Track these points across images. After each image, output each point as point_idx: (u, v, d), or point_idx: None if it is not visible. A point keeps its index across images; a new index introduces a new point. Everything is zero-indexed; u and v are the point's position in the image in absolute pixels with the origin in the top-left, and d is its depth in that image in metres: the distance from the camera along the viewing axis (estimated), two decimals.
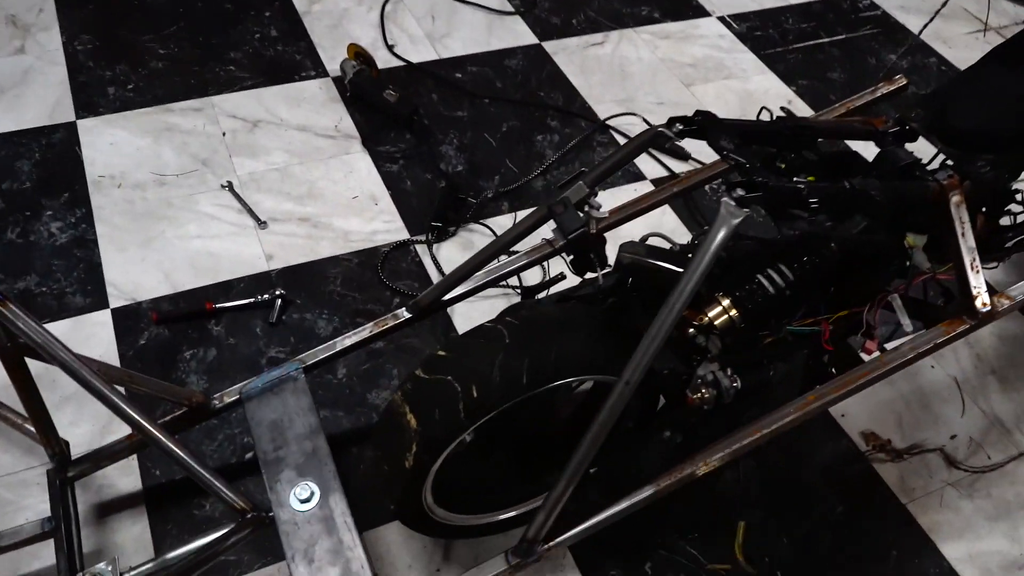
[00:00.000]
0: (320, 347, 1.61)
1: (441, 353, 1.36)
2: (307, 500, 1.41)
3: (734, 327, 1.37)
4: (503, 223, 2.26)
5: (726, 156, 1.22)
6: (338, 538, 1.37)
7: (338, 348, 1.60)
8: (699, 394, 1.36)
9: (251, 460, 1.72)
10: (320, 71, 2.65)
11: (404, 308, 1.62)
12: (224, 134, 2.40)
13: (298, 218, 2.21)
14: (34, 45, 2.60)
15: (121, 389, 1.35)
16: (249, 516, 1.41)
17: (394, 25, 2.85)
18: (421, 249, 2.18)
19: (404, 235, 2.20)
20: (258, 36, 2.74)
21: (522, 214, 2.28)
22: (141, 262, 2.06)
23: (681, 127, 1.29)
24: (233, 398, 1.57)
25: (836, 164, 1.41)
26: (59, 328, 1.90)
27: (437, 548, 1.63)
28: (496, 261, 1.58)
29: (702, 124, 1.28)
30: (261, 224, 2.17)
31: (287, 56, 2.69)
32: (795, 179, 1.25)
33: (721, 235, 1.15)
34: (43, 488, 1.62)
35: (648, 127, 1.36)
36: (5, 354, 1.27)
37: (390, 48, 2.76)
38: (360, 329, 1.62)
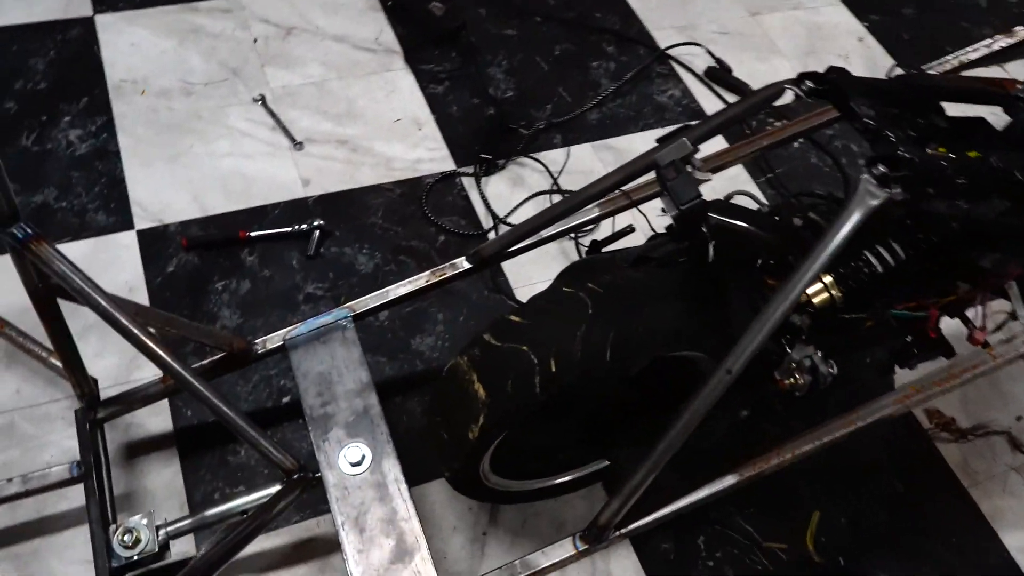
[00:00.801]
0: (371, 295, 1.49)
1: (515, 319, 1.24)
2: (358, 463, 1.32)
3: (834, 307, 1.25)
4: (555, 158, 2.10)
5: (867, 128, 1.06)
6: (392, 507, 1.28)
7: (390, 297, 1.48)
8: (792, 379, 1.24)
9: (288, 405, 1.62)
10: None
11: (464, 258, 1.48)
12: (255, 40, 2.21)
13: (336, 140, 2.04)
14: None
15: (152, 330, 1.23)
16: (296, 477, 1.31)
17: None
18: (468, 182, 2.02)
19: (450, 165, 2.04)
20: None
21: (577, 150, 2.12)
22: (168, 180, 1.90)
23: (811, 85, 1.13)
24: (276, 344, 1.45)
25: (963, 132, 1.26)
26: (81, 248, 1.76)
27: (483, 510, 1.55)
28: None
29: (836, 84, 1.12)
30: (297, 145, 2.01)
31: None
32: (929, 152, 1.10)
33: (856, 216, 1.01)
34: (68, 423, 1.52)
35: (770, 85, 1.19)
36: (35, 293, 1.14)
37: None
38: (416, 278, 1.49)
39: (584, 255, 1.75)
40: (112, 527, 1.29)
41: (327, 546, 1.46)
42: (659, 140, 1.21)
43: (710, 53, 2.41)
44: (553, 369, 1.17)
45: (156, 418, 1.56)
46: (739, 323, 1.18)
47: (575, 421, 1.48)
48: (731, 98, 2.33)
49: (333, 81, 2.16)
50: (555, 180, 2.04)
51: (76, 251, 1.76)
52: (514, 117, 2.16)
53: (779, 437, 1.40)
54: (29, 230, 1.04)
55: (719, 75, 2.36)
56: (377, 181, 1.99)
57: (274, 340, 1.45)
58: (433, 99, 2.17)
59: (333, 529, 1.28)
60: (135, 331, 1.15)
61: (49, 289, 1.13)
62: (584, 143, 2.15)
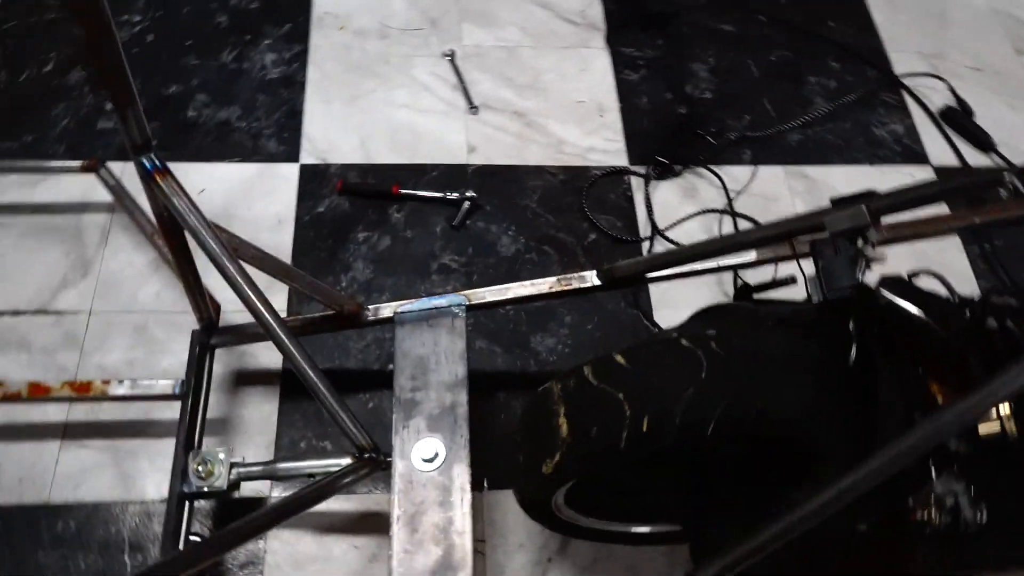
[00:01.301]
0: (490, 288, 1.41)
1: (619, 360, 1.12)
2: (430, 460, 1.27)
3: (1004, 443, 1.03)
4: (738, 175, 1.91)
5: None
6: (449, 516, 1.22)
7: (509, 295, 1.40)
8: (927, 513, 1.04)
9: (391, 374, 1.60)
10: None
11: (595, 272, 1.37)
12: None
13: (513, 111, 1.97)
14: None
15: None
16: (366, 456, 1.28)
17: None
18: (636, 183, 1.89)
19: (622, 161, 1.92)
20: None
21: (765, 171, 1.92)
22: (342, 120, 1.92)
23: None
24: (387, 315, 1.42)
25: None
26: (247, 171, 1.82)
27: (554, 536, 1.46)
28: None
29: None
30: (473, 109, 1.96)
31: None
32: None
33: None
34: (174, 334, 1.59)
35: (989, 171, 0.97)
36: (160, 219, 1.17)
37: None
38: (541, 282, 1.40)
39: (735, 292, 1.59)
40: (193, 452, 1.32)
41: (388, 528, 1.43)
42: (834, 202, 1.03)
43: (952, 91, 2.09)
44: (644, 428, 1.04)
45: (270, 354, 1.59)
46: (882, 428, 1.00)
47: (667, 475, 1.35)
48: (964, 146, 2.01)
49: (526, 48, 2.08)
50: (730, 201, 1.86)
51: (241, 173, 1.82)
52: (705, 122, 1.99)
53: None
54: (157, 163, 1.05)
55: (957, 118, 2.04)
56: (543, 162, 1.90)
57: (385, 311, 1.42)
58: (624, 86, 2.04)
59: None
60: (235, 275, 1.14)
61: (173, 218, 1.15)
62: (776, 165, 1.95)
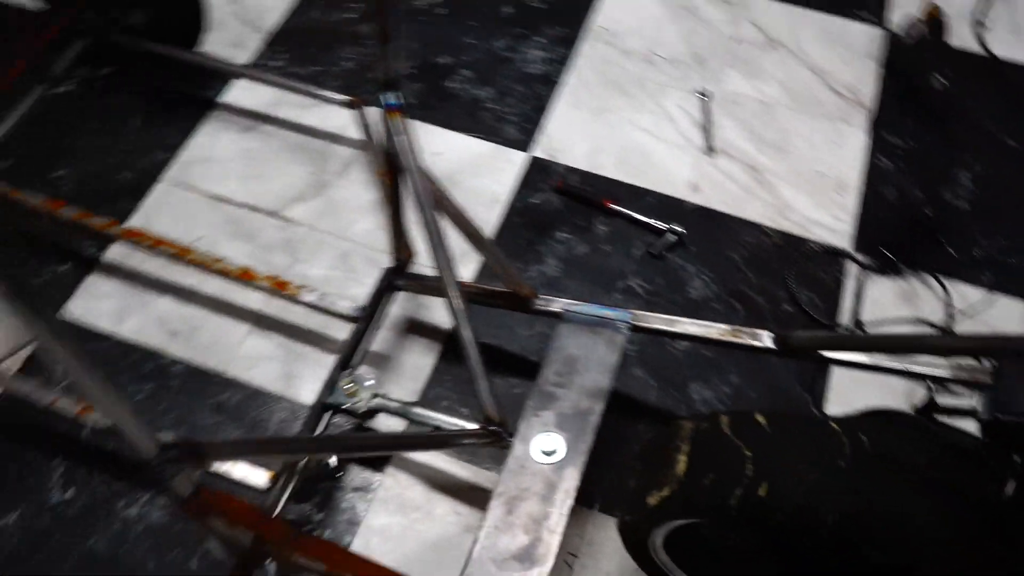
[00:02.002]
0: (661, 315, 1.41)
1: (759, 419, 1.07)
2: (548, 454, 1.28)
3: None
4: (970, 296, 1.75)
5: None
6: (547, 511, 1.23)
7: (675, 329, 1.39)
8: None
9: None
10: (877, 18, 2.21)
11: (771, 335, 1.32)
12: (734, 39, 2.16)
13: (749, 163, 1.94)
14: None
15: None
16: (492, 428, 1.33)
17: (1004, 8, 2.25)
18: (852, 269, 1.79)
19: (845, 244, 1.82)
20: None
21: (1006, 302, 1.74)
22: (581, 126, 1.99)
23: None
24: (555, 309, 1.45)
25: None
26: (481, 147, 1.94)
27: None
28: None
29: None
30: (709, 150, 1.95)
31: None
32: None
33: None
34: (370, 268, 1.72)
35: None
36: (385, 156, 1.28)
37: (979, 26, 2.20)
38: (713, 325, 1.37)
39: (922, 405, 1.45)
40: (347, 371, 1.43)
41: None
42: None
43: None
44: (760, 494, 1.00)
45: (443, 313, 1.69)
46: None
47: (764, 556, 1.27)
48: None
49: (782, 108, 2.03)
50: (951, 320, 1.71)
51: (477, 148, 1.94)
52: (950, 230, 1.84)
53: None
54: (397, 102, 1.16)
55: None
56: (761, 221, 1.85)
57: (555, 305, 1.45)
58: (874, 171, 1.94)
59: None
60: (430, 221, 1.23)
61: (392, 156, 1.26)
62: (1020, 299, 1.75)
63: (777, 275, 1.78)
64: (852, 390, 1.61)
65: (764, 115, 2.02)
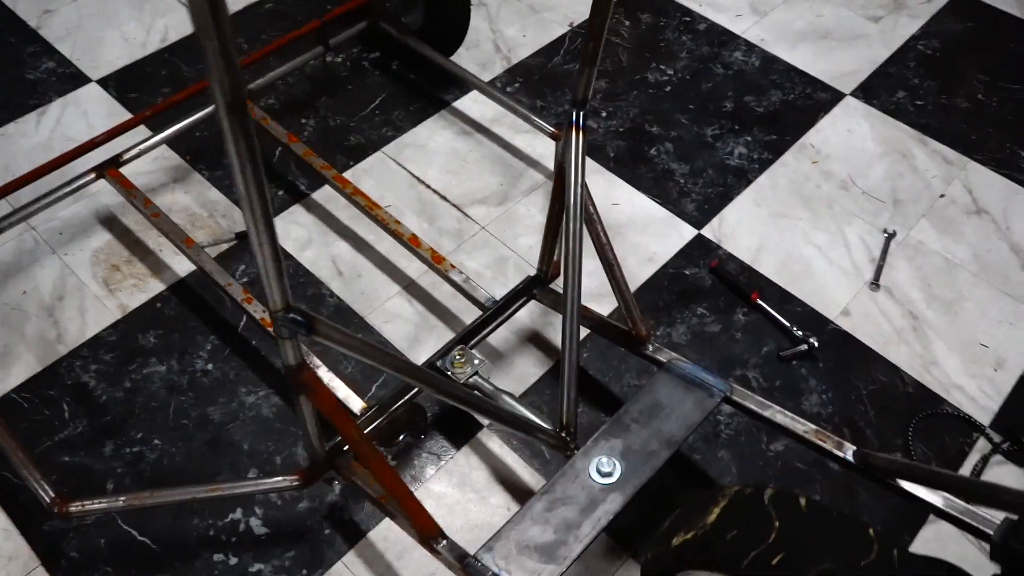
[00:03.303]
0: (755, 396, 1.45)
1: (801, 501, 1.10)
2: (603, 475, 1.36)
3: None
4: None
5: None
6: (582, 521, 1.30)
7: (765, 414, 1.42)
8: None
9: None
10: None
11: (854, 451, 1.32)
12: (942, 196, 2.15)
13: (910, 311, 1.92)
14: None
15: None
16: (562, 434, 1.42)
17: None
18: (981, 445, 1.72)
19: (982, 418, 1.75)
20: None
21: None
22: (754, 223, 2.06)
23: None
24: (662, 358, 1.53)
25: None
26: (656, 212, 2.06)
27: None
28: None
29: None
30: (874, 285, 1.95)
31: None
32: None
33: None
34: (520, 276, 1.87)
35: None
36: (556, 170, 1.43)
37: None
38: (800, 421, 1.40)
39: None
40: (461, 347, 1.59)
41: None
42: None
43: None
44: (772, 563, 1.02)
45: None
46: None
47: None
48: None
49: (965, 272, 1.99)
50: None
51: (652, 210, 2.06)
52: None
53: None
54: (581, 121, 1.32)
55: None
56: (901, 365, 1.82)
57: (663, 354, 1.53)
58: None
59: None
60: (572, 237, 1.36)
61: (562, 167, 1.41)
62: None
63: (898, 420, 1.74)
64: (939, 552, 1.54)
65: (944, 272, 1.99)
